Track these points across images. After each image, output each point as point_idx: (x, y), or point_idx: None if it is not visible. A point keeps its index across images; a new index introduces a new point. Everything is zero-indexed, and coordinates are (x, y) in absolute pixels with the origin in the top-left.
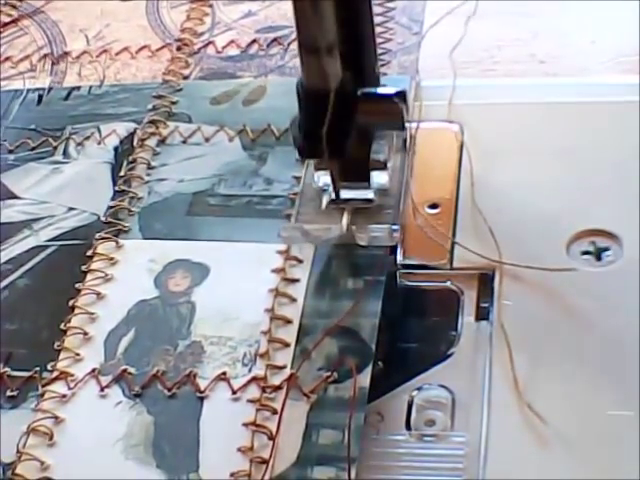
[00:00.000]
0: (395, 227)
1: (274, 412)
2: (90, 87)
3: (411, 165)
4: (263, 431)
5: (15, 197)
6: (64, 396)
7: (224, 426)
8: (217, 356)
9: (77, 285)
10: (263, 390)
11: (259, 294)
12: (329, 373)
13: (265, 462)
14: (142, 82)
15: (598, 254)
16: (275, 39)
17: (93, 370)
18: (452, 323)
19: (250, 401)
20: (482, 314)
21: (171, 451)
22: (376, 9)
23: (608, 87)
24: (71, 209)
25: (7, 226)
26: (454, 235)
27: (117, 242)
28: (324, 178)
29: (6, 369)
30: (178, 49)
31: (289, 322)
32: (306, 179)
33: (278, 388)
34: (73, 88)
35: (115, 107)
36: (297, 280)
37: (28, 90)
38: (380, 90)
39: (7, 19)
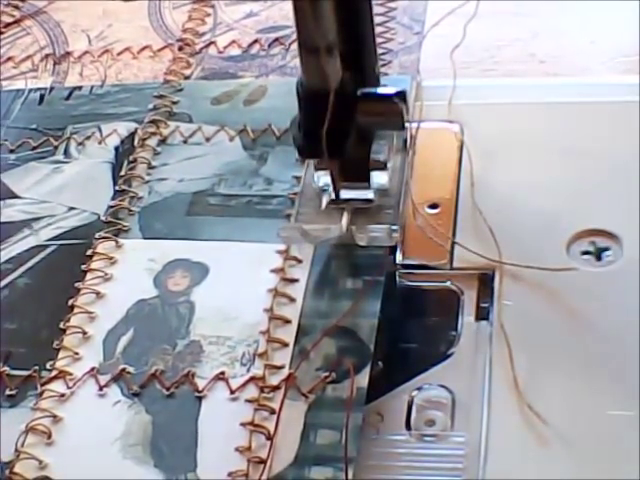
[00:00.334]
0: (394, 227)
1: (272, 412)
2: (91, 87)
3: (411, 165)
4: (261, 431)
5: (16, 197)
6: (63, 395)
7: (222, 426)
8: (216, 356)
9: (77, 284)
10: (261, 390)
11: (258, 294)
12: (327, 373)
13: (263, 462)
14: (143, 82)
15: (598, 254)
16: (276, 39)
17: (92, 369)
18: (452, 323)
19: (248, 401)
20: (482, 314)
21: (169, 450)
22: (377, 9)
23: (608, 87)
24: (71, 209)
25: (7, 225)
26: (454, 235)
27: (117, 242)
28: (324, 178)
29: (5, 368)
30: (180, 49)
31: (288, 322)
32: (306, 179)
33: (276, 388)
34: (75, 88)
35: (116, 107)
36: (296, 280)
37: (30, 90)
38: (380, 90)
39: (10, 19)
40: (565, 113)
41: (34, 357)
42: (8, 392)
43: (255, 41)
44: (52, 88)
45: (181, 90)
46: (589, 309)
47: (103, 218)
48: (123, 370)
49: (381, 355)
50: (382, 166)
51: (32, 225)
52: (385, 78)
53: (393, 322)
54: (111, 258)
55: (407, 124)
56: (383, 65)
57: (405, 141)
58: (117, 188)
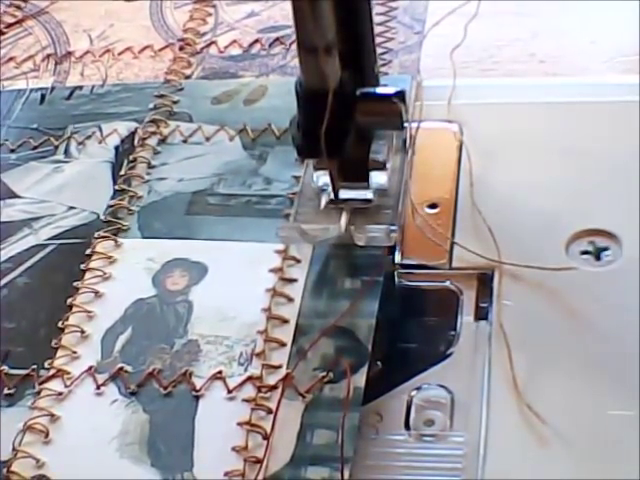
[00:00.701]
0: (393, 227)
1: (269, 412)
2: (92, 87)
3: (410, 165)
4: (258, 431)
5: (16, 196)
6: (60, 394)
7: (219, 425)
8: (213, 355)
9: (76, 283)
10: (258, 389)
11: (256, 294)
12: (325, 373)
13: (259, 462)
14: (144, 81)
15: (597, 254)
16: (277, 39)
17: (90, 368)
18: (451, 323)
19: (245, 400)
20: (481, 314)
21: (166, 450)
22: (378, 8)
23: (608, 87)
24: (71, 208)
25: (7, 225)
26: (453, 235)
27: (116, 241)
28: (323, 178)
29: (4, 367)
30: (181, 49)
31: (286, 322)
32: (305, 179)
33: (273, 388)
34: (75, 88)
35: (117, 106)
36: (295, 280)
37: (31, 90)
38: (379, 90)
39: (12, 20)
40: (565, 113)
41: (32, 356)
42: (6, 391)
43: (256, 41)
44: (53, 88)
45: (181, 90)
46: (588, 309)
47: (102, 217)
48: (121, 369)
49: (380, 355)
50: (381, 166)
51: (32, 224)
52: (385, 78)
53: (392, 322)
54: (110, 257)
55: (406, 124)
56: (383, 65)
57: (404, 141)
58: (117, 187)
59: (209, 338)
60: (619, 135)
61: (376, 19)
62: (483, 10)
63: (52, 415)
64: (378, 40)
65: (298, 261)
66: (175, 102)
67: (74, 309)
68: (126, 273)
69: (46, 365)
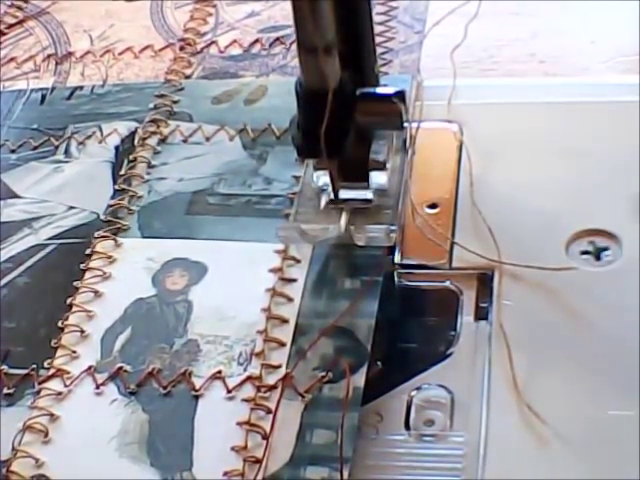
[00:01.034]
0: (393, 227)
1: (268, 411)
2: (93, 87)
3: (410, 165)
4: (257, 430)
5: (16, 196)
6: (60, 393)
7: (218, 425)
8: (213, 355)
9: (75, 283)
10: (258, 389)
11: (256, 293)
12: (324, 373)
13: (258, 461)
14: (144, 81)
15: (597, 254)
16: (277, 39)
17: (89, 368)
18: (451, 323)
19: (245, 400)
20: (481, 314)
21: (165, 449)
22: (379, 8)
23: (608, 87)
24: (71, 208)
25: (7, 225)
26: (453, 235)
27: (116, 240)
28: (323, 178)
29: (3, 367)
30: (181, 49)
31: (285, 322)
32: (305, 179)
33: (273, 387)
34: (76, 88)
35: (117, 106)
36: (294, 280)
37: (32, 90)
38: (379, 90)
39: (13, 20)
40: (565, 113)
41: (32, 356)
42: (6, 391)
43: (256, 41)
44: (54, 88)
45: (182, 89)
46: (588, 309)
47: (102, 217)
48: (120, 369)
49: (380, 355)
50: (381, 166)
51: (32, 224)
52: (386, 77)
53: (392, 322)
54: (110, 257)
55: (406, 124)
56: (384, 64)
57: (404, 141)
58: (117, 187)
59: (209, 338)
60: (619, 135)
61: (376, 19)
62: (483, 10)
63: (52, 415)
64: (378, 40)
65: (298, 261)
66: (175, 102)
67: (74, 309)
68: (126, 273)
69: (46, 365)
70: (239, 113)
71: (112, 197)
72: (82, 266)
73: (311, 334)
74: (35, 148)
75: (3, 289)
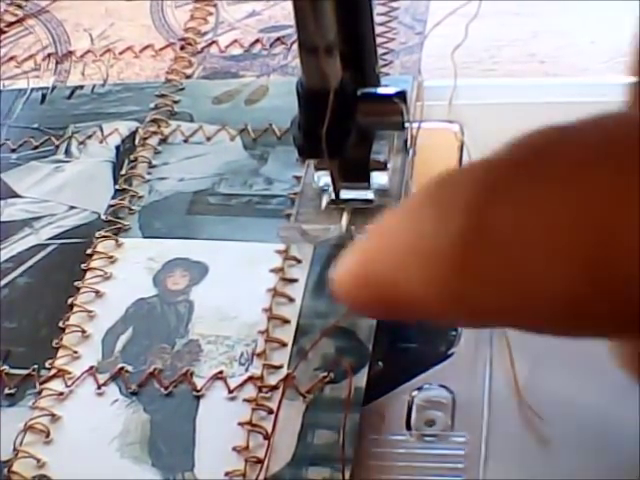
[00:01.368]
0: None
1: (270, 412)
2: (93, 86)
3: (411, 165)
4: (259, 431)
5: (16, 196)
6: (61, 394)
7: (220, 425)
8: (214, 355)
9: (76, 283)
10: (259, 390)
11: (257, 294)
12: (326, 373)
13: (260, 462)
14: (145, 81)
15: None
16: (278, 39)
17: (90, 368)
18: None
19: (246, 400)
20: None
21: (167, 450)
22: (380, 8)
23: (608, 87)
24: (72, 208)
25: (8, 224)
26: None
27: (117, 240)
28: (324, 178)
29: (4, 367)
30: (181, 48)
31: (287, 322)
32: (306, 179)
33: (274, 388)
34: (76, 87)
35: (118, 106)
36: (295, 280)
37: (32, 89)
38: (380, 90)
39: (13, 19)
40: (565, 113)
41: (33, 356)
42: (7, 391)
43: (257, 40)
44: (54, 87)
45: (182, 89)
46: None
47: (103, 217)
48: (122, 369)
49: (381, 355)
50: (382, 166)
51: (32, 224)
52: (386, 78)
53: (393, 322)
54: (111, 257)
55: (407, 124)
56: (384, 65)
57: (405, 141)
58: (117, 187)
59: (210, 338)
60: None
61: (377, 19)
62: (483, 10)
63: (53, 415)
64: (379, 40)
65: (299, 261)
66: (176, 102)
67: (75, 309)
68: (127, 273)
69: (47, 365)
70: (240, 113)
71: (113, 197)
72: (83, 266)
73: (312, 334)
74: (35, 147)
75: (4, 289)
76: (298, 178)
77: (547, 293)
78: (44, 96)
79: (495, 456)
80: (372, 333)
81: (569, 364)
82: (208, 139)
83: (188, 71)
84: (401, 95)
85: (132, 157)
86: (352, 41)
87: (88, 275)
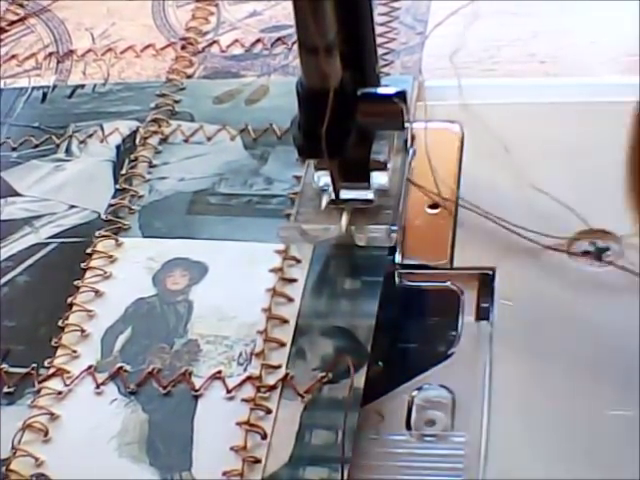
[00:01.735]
0: (393, 227)
1: (268, 412)
2: (94, 85)
3: (411, 165)
4: (257, 430)
5: (17, 194)
6: (60, 393)
7: (218, 425)
8: (213, 355)
9: (76, 282)
10: (258, 389)
11: (256, 293)
12: (324, 373)
13: (258, 462)
14: (146, 81)
15: (598, 254)
16: (279, 38)
17: (89, 367)
18: (452, 323)
19: (244, 400)
20: (482, 314)
21: (165, 449)
22: (381, 9)
23: (608, 87)
24: (72, 206)
25: (8, 223)
26: (454, 235)
27: (117, 240)
28: (324, 178)
29: (4, 365)
30: (183, 48)
31: (286, 322)
32: (306, 179)
33: (273, 388)
34: (77, 86)
35: (118, 105)
36: (295, 280)
37: (33, 88)
38: (380, 90)
39: (14, 17)
40: (565, 113)
41: (32, 354)
42: (6, 389)
43: (258, 40)
44: (55, 86)
45: (183, 89)
46: (589, 309)
47: (103, 216)
48: (120, 368)
49: (381, 355)
50: (382, 166)
51: (33, 223)
52: (387, 78)
53: (394, 322)
54: (111, 256)
55: (407, 124)
56: (385, 65)
57: (405, 141)
58: (118, 186)
59: (209, 338)
60: (619, 135)
61: (378, 19)
62: (484, 10)
63: (52, 414)
64: (380, 40)
65: (298, 261)
66: (177, 101)
67: (74, 308)
68: (126, 272)
69: (46, 364)
70: (240, 113)
71: (113, 196)
72: (83, 265)
73: (311, 334)
74: (36, 146)
75: (3, 288)
76: (298, 178)
77: None
78: (45, 95)
79: (495, 456)
80: (371, 333)
81: (569, 364)
82: (208, 139)
83: (189, 71)
84: (401, 95)
85: (132, 156)
86: (352, 41)
87: (88, 274)
